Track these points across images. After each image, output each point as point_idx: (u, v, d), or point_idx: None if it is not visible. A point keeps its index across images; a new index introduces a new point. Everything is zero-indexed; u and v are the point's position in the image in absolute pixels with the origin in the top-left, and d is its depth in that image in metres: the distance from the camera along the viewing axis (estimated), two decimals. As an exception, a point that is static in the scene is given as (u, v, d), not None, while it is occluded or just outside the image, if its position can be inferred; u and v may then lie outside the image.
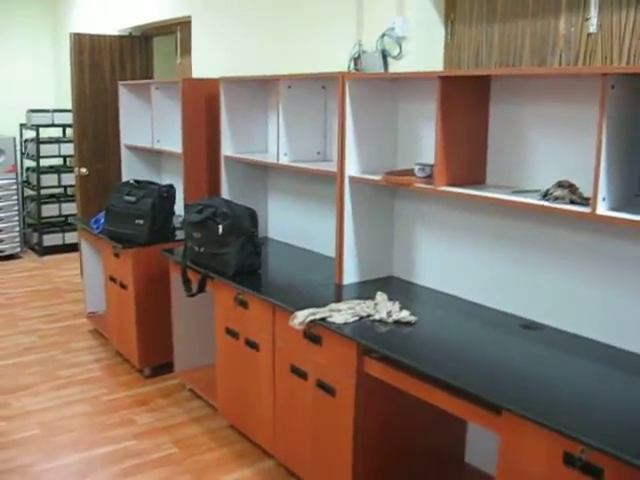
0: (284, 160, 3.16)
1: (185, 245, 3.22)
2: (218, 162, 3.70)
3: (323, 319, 2.42)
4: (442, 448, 2.78)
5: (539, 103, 2.39)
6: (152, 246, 3.67)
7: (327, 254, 3.39)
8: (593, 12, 2.50)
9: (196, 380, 3.59)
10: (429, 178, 2.53)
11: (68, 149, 6.47)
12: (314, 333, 2.49)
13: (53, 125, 6.47)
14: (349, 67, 3.23)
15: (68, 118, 6.50)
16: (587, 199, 2.10)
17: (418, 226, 2.91)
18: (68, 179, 6.53)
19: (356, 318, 2.42)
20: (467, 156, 2.51)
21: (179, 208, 3.87)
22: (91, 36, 5.41)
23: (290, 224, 3.67)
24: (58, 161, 6.74)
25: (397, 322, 2.40)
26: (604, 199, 1.98)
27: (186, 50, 5.26)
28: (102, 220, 3.92)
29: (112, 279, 3.94)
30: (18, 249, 6.53)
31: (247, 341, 2.92)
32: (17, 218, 6.51)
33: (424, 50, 2.99)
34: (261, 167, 3.74)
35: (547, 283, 2.40)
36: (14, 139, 6.45)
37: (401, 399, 2.51)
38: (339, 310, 2.46)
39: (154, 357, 3.83)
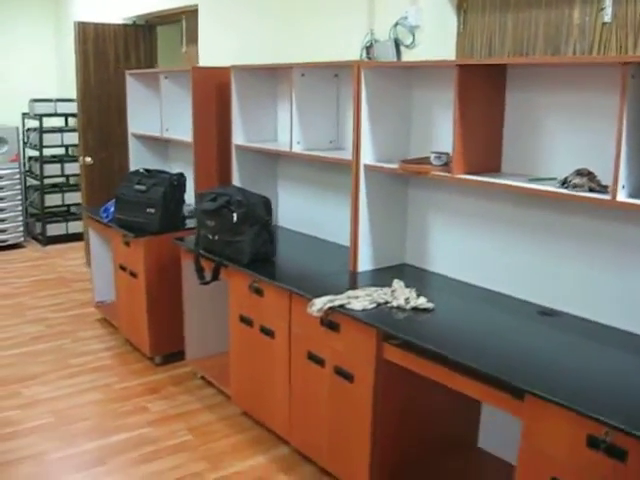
0: (297, 148, 3.18)
1: (198, 233, 3.24)
2: (228, 151, 3.71)
3: (341, 306, 2.44)
4: (456, 434, 2.82)
5: (554, 92, 2.41)
6: (163, 235, 3.68)
7: (338, 242, 3.41)
8: (608, 1, 2.51)
9: (208, 368, 3.61)
10: (445, 166, 2.55)
11: (71, 138, 6.45)
12: (332, 320, 2.51)
13: (56, 114, 6.44)
14: (361, 56, 3.24)
15: (71, 107, 6.49)
16: (605, 187, 2.13)
17: (432, 214, 2.93)
18: (71, 168, 6.53)
19: (374, 305, 2.44)
20: (483, 144, 2.52)
21: (189, 197, 3.89)
22: (95, 25, 5.38)
23: (300, 212, 3.69)
24: (60, 150, 6.71)
25: (415, 309, 2.42)
26: (623, 187, 2.01)
27: (191, 39, 5.25)
28: (112, 209, 3.93)
29: (122, 268, 3.95)
30: (21, 239, 6.53)
31: (262, 328, 2.94)
32: (20, 208, 6.50)
33: (436, 39, 3.00)
34: (271, 156, 3.75)
35: (563, 270, 2.43)
36: (17, 128, 6.42)
37: (418, 385, 2.55)
38: (357, 297, 2.48)
39: (165, 345, 3.85)
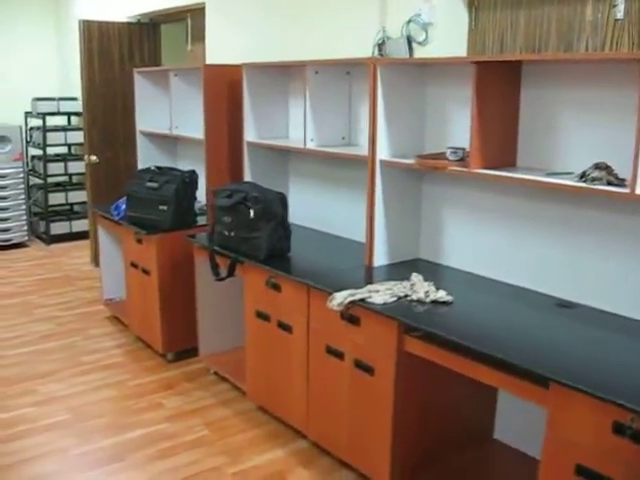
0: (311, 145, 3.20)
1: (213, 230, 3.26)
2: (239, 148, 3.73)
3: (362, 300, 2.47)
4: (473, 425, 2.85)
5: (568, 88, 2.45)
6: (175, 232, 3.70)
7: (350, 237, 3.44)
8: (620, -2, 2.55)
9: (221, 364, 3.64)
10: (461, 161, 2.59)
11: (74, 137, 6.45)
12: (352, 314, 2.54)
13: (59, 113, 6.44)
14: (373, 53, 3.27)
15: (73, 106, 6.50)
16: (623, 180, 2.17)
17: (446, 209, 2.96)
18: (74, 167, 6.53)
19: (394, 299, 2.48)
20: (499, 139, 2.56)
21: (199, 194, 3.90)
22: (100, 23, 5.39)
23: (311, 208, 3.72)
24: (63, 149, 6.71)
25: (434, 302, 2.46)
26: (642, 180, 2.05)
27: (196, 37, 5.27)
28: (123, 206, 3.94)
29: (133, 265, 3.97)
30: (25, 238, 6.53)
31: (279, 323, 2.97)
32: (24, 207, 6.50)
33: (448, 36, 3.03)
34: (282, 152, 3.78)
35: (580, 263, 2.47)
36: (20, 128, 6.42)
37: (436, 377, 2.58)
38: (377, 291, 2.52)
39: (177, 342, 3.87)
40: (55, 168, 6.46)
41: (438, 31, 3.02)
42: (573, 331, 2.23)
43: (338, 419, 2.74)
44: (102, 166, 5.52)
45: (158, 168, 3.82)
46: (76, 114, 6.56)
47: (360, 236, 3.29)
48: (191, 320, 3.73)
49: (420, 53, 3.09)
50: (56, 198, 6.55)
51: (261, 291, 3.05)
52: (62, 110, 6.46)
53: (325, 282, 2.71)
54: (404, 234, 3.03)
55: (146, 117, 4.56)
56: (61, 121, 6.67)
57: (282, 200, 3.07)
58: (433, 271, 2.90)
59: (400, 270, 2.87)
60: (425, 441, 2.64)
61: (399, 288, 2.54)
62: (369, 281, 2.73)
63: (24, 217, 6.49)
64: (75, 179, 6.79)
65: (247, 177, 3.69)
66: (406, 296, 2.50)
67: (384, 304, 2.44)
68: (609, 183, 2.17)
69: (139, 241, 3.82)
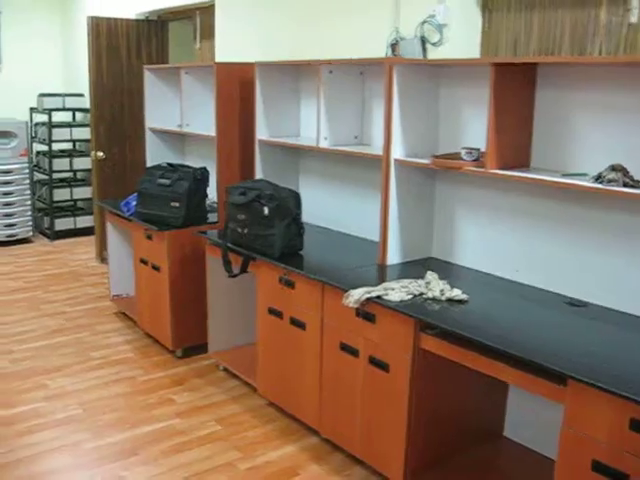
0: (324, 144, 3.23)
1: (226, 226, 3.28)
2: (250, 146, 3.76)
3: (379, 297, 2.50)
4: (484, 423, 2.89)
5: (582, 90, 2.48)
6: (187, 228, 3.72)
7: (361, 236, 3.47)
8: (635, 3, 2.59)
9: (232, 360, 3.66)
10: (477, 161, 2.62)
11: (79, 133, 6.47)
12: (367, 311, 2.57)
13: (64, 109, 6.45)
14: (386, 53, 3.30)
15: (79, 102, 6.51)
16: (638, 182, 2.21)
17: (459, 208, 2.99)
18: (79, 163, 6.54)
19: (410, 296, 2.51)
20: (514, 140, 2.59)
21: (209, 191, 3.93)
22: (108, 20, 5.41)
23: (323, 207, 3.74)
24: (68, 145, 6.72)
25: (450, 300, 2.49)
26: (658, 181, 2.08)
27: (205, 35, 5.29)
28: (133, 203, 3.96)
29: (143, 261, 3.99)
30: (30, 233, 6.54)
31: (292, 320, 3.00)
32: (29, 202, 6.50)
33: (461, 37, 3.07)
34: (293, 151, 3.80)
35: (592, 263, 2.51)
36: (26, 123, 6.43)
37: (450, 375, 2.62)
38: (392, 288, 2.55)
39: (186, 338, 3.90)
40: (60, 164, 6.46)
41: (451, 32, 3.05)
42: (587, 329, 2.26)
43: (351, 415, 2.77)
44: (108, 162, 5.54)
45: (169, 165, 3.84)
46: (81, 110, 6.58)
47: (371, 235, 3.33)
48: (200, 317, 3.75)
49: (433, 54, 3.12)
50: (61, 194, 6.56)
51: (274, 288, 3.08)
52: (67, 106, 6.46)
53: (339, 279, 2.74)
54: (417, 233, 3.06)
55: (155, 114, 4.57)
56: (66, 117, 6.68)
57: (296, 198, 3.10)
58: (446, 270, 2.93)
59: (413, 269, 2.90)
60: (438, 438, 2.67)
61: (414, 286, 2.57)
62: (382, 279, 2.76)
63: (29, 213, 6.50)
64: (80, 175, 6.80)
65: (258, 175, 3.71)
66: (421, 294, 2.54)
67: (400, 301, 2.47)
68: (625, 185, 2.20)
69: (149, 237, 3.84)
